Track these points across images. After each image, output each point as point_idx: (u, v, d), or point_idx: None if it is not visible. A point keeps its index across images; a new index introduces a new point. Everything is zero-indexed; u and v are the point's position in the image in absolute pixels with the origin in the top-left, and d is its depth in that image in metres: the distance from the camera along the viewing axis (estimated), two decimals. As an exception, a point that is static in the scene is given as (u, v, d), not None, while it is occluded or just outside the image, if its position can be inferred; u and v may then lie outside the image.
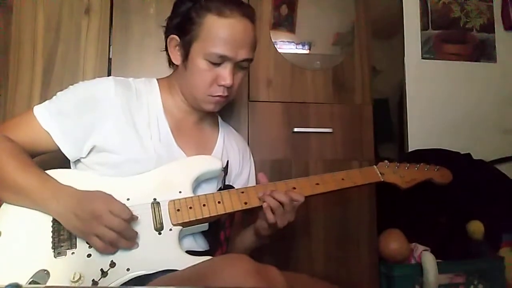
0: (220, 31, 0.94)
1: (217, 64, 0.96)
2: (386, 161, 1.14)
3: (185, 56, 0.98)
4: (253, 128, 1.43)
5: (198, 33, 0.95)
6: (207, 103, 1.01)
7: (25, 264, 0.82)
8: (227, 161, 1.07)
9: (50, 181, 0.88)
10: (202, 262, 0.82)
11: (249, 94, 1.44)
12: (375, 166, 1.12)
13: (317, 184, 1.04)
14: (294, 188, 1.00)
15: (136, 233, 0.86)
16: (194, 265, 0.81)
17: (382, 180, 1.10)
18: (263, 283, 0.65)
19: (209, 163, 1.01)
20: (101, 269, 0.82)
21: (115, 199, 0.85)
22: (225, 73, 0.96)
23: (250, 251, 1.10)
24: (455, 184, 1.60)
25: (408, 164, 1.15)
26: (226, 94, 0.99)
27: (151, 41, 1.36)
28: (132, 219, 0.85)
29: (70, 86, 0.99)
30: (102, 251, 0.83)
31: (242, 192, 0.98)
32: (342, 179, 1.06)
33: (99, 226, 0.81)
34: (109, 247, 0.83)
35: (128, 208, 0.85)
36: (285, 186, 1.00)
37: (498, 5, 2.09)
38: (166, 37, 1.02)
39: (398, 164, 1.13)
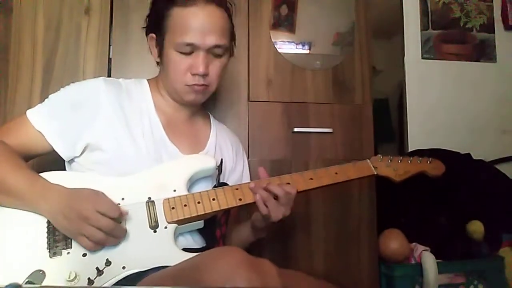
0: (184, 21, 0.96)
1: (188, 54, 0.97)
2: (379, 155, 1.14)
3: (161, 51, 1.01)
4: (253, 128, 1.43)
5: (167, 27, 0.98)
6: (187, 94, 1.02)
7: (20, 265, 0.82)
8: (221, 159, 1.07)
9: (39, 181, 0.88)
10: (195, 255, 0.81)
11: (249, 94, 1.44)
12: (368, 160, 1.12)
13: (311, 179, 1.04)
14: (288, 183, 1.00)
15: (125, 230, 0.86)
16: (187, 259, 0.81)
17: (376, 173, 1.10)
18: (255, 275, 0.64)
19: (203, 161, 1.01)
20: (97, 268, 0.82)
21: (104, 196, 0.85)
22: (197, 61, 0.97)
23: (248, 246, 1.11)
24: (455, 184, 1.61)
25: (401, 157, 1.14)
26: (202, 82, 1.00)
27: (151, 41, 1.36)
28: (121, 216, 0.84)
29: (61, 88, 1.00)
30: (90, 249, 0.83)
31: (237, 189, 0.98)
32: (336, 173, 1.06)
33: (86, 227, 0.81)
34: (97, 246, 0.83)
35: (116, 205, 0.84)
36: (279, 182, 1.00)
37: (498, 5, 2.09)
38: (147, 36, 1.06)
39: (391, 157, 1.13)
